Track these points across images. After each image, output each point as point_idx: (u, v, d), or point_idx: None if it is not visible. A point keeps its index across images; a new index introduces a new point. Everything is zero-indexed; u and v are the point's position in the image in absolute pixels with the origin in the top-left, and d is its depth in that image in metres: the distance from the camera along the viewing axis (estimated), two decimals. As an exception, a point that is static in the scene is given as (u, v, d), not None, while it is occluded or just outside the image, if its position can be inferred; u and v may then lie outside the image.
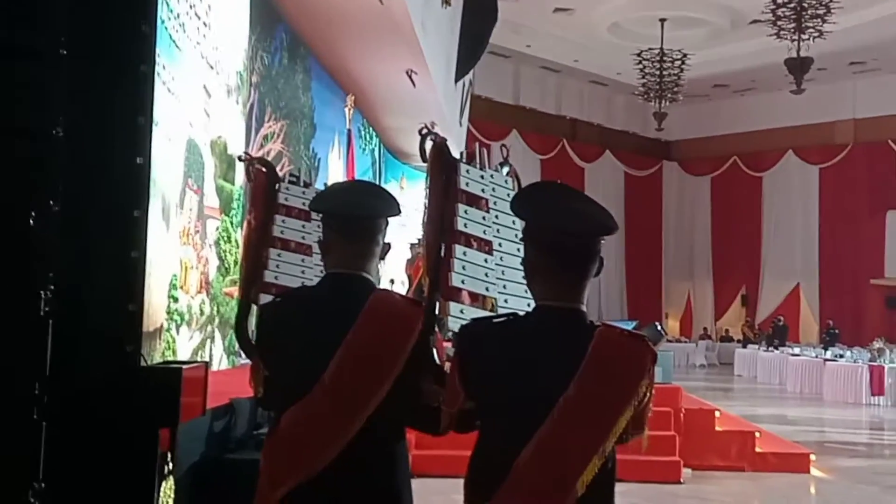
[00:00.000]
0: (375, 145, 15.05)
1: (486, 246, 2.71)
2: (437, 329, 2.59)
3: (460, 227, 2.68)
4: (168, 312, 6.13)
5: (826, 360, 19.83)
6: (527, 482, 2.13)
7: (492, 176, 2.77)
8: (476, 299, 2.65)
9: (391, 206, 2.68)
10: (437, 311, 2.57)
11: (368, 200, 2.66)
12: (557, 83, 30.31)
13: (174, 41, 6.04)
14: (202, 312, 7.07)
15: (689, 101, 28.92)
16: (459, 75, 13.93)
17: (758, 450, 9.49)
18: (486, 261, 2.70)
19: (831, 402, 17.95)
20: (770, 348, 24.88)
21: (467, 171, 2.71)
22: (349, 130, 11.20)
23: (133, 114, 3.39)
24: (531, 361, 2.20)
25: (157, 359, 5.77)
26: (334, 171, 11.73)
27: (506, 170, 2.83)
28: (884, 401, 17.66)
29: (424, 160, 2.70)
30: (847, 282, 30.01)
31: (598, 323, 2.25)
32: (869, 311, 29.53)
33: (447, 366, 2.46)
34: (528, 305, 2.32)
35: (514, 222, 2.79)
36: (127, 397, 3.32)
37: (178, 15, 6.16)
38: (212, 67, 7.13)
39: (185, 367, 3.63)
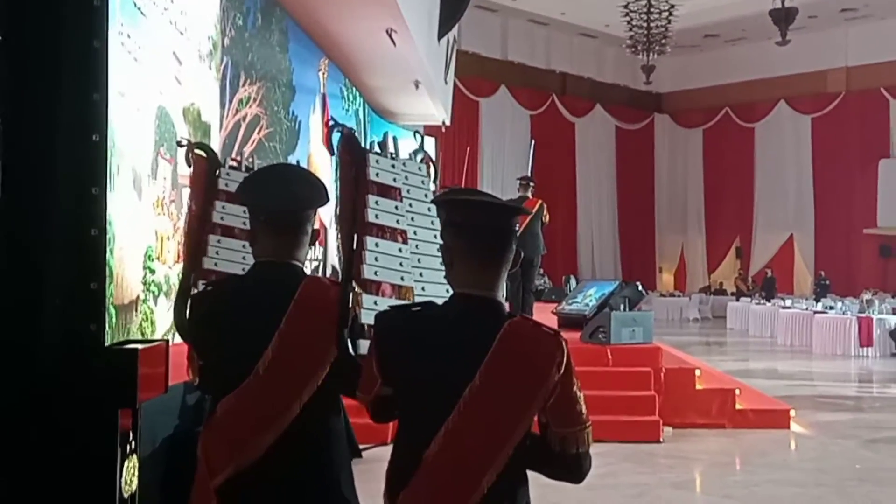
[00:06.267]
0: (360, 105, 14.92)
1: (399, 235, 2.70)
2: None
3: (371, 218, 2.66)
4: (145, 284, 6.11)
5: (816, 312, 19.90)
6: (435, 474, 2.15)
7: (404, 164, 2.74)
8: (393, 289, 2.64)
9: (319, 196, 2.66)
10: (349, 304, 2.56)
11: (296, 190, 2.64)
12: (546, 36, 30.00)
13: (139, 8, 5.95)
14: (181, 282, 7.05)
15: (680, 52, 28.69)
16: (443, 32, 13.75)
17: (738, 407, 9.55)
18: (400, 250, 2.69)
19: (820, 354, 18.07)
20: (762, 301, 24.96)
21: (377, 162, 2.69)
22: (324, 95, 11.09)
23: (87, 91, 3.35)
24: (442, 351, 2.21)
25: (135, 330, 5.77)
26: (315, 134, 11.65)
27: (420, 157, 2.81)
28: (872, 352, 17.80)
29: (332, 153, 2.68)
30: (840, 232, 30.04)
31: (514, 314, 2.26)
32: (863, 261, 29.62)
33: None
34: (447, 291, 2.32)
35: (429, 209, 2.78)
36: (87, 378, 3.32)
37: (143, -19, 6.07)
38: (181, 33, 7.03)
39: (143, 346, 3.63)
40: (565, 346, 2.20)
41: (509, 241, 2.25)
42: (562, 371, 2.17)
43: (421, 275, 2.69)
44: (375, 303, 2.57)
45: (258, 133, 9.34)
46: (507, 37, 29.09)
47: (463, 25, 17.62)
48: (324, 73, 11.18)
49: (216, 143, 7.80)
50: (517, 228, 2.26)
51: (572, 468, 2.26)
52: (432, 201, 2.62)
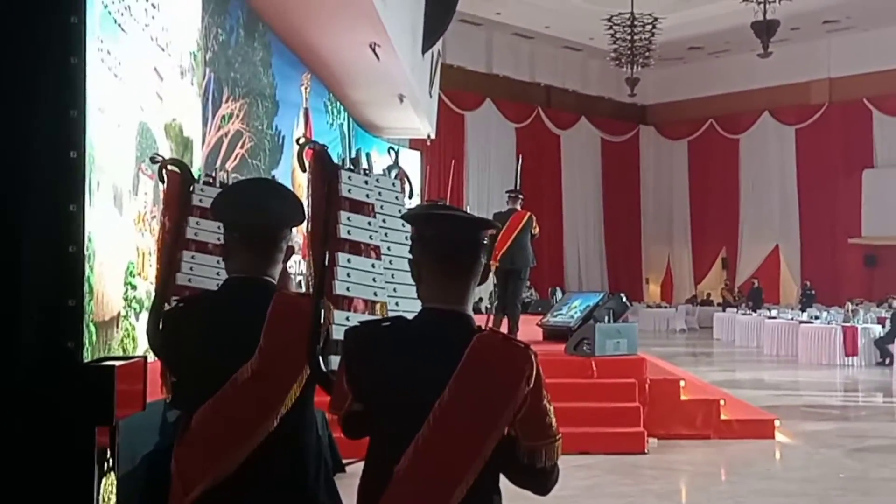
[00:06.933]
0: (344, 119, 14.94)
1: (372, 251, 2.70)
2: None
3: (343, 234, 2.65)
4: (126, 300, 6.09)
5: (801, 322, 19.96)
6: (406, 489, 2.14)
7: (377, 180, 2.74)
8: (366, 305, 2.64)
9: (295, 212, 2.66)
10: (322, 319, 2.56)
11: (272, 205, 2.64)
12: (530, 50, 30.11)
13: (119, 25, 5.94)
14: (163, 297, 7.00)
15: (664, 65, 28.83)
16: (427, 46, 13.81)
17: (723, 417, 9.54)
18: (373, 266, 2.68)
19: (806, 364, 18.11)
20: (748, 311, 25.03)
21: (349, 178, 2.69)
22: (306, 109, 11.12)
23: (65, 107, 3.34)
24: (411, 366, 2.20)
25: (115, 347, 5.74)
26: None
27: (394, 173, 2.81)
28: (857, 361, 17.88)
29: (304, 170, 2.68)
30: (825, 242, 30.20)
31: (483, 328, 2.25)
32: (848, 271, 29.75)
33: None
34: (421, 307, 2.31)
35: (403, 224, 2.77)
36: (63, 396, 3.30)
37: (123, -2, 6.06)
38: (163, 49, 7.03)
39: (120, 362, 3.61)
40: (535, 359, 2.19)
41: (477, 254, 2.24)
42: (531, 384, 2.16)
43: (395, 290, 2.69)
44: (347, 318, 2.56)
45: (241, 148, 9.35)
46: (491, 50, 29.17)
47: (447, 39, 17.69)
48: (306, 88, 11.21)
49: (198, 159, 7.79)
50: (485, 241, 2.27)
51: (538, 481, 2.26)
52: (401, 217, 2.62)
